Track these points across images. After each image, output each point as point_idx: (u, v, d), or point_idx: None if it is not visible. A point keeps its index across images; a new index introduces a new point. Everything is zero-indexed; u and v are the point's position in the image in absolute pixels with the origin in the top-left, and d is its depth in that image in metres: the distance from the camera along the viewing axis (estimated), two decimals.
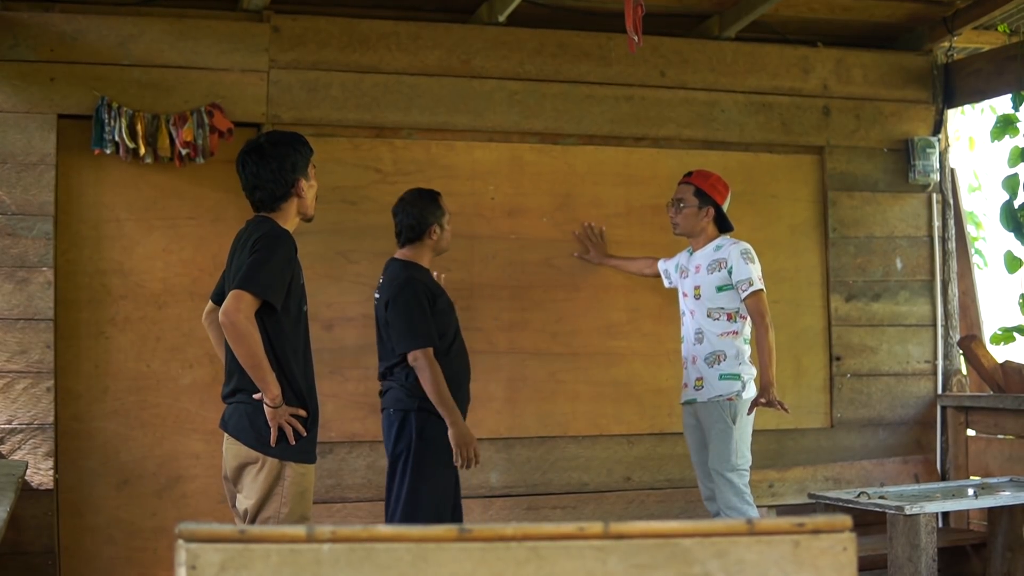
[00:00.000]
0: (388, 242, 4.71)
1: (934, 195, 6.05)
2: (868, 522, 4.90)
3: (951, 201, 6.11)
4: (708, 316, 4.89)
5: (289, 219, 3.78)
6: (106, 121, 4.78)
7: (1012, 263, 6.11)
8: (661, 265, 5.28)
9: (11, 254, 4.73)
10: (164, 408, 4.96)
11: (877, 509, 4.69)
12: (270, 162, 3.72)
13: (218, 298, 3.81)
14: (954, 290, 6.08)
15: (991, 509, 5.15)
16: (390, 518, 4.46)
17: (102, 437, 4.88)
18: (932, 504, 4.63)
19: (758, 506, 5.05)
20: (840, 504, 4.81)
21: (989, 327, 6.29)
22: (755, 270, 4.84)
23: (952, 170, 6.18)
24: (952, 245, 6.08)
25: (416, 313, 4.39)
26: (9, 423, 4.69)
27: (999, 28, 6.08)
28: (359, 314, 5.07)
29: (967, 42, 6.15)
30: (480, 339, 5.29)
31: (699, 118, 5.68)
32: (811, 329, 5.85)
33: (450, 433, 4.38)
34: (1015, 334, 6.13)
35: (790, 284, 5.78)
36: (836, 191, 5.90)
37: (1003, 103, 6.31)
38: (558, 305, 5.47)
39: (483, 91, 5.38)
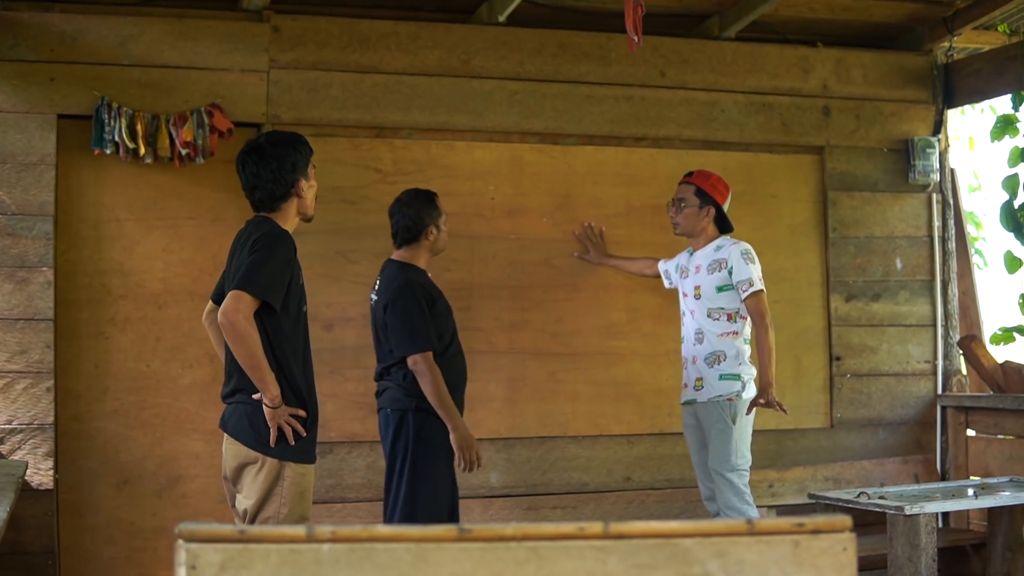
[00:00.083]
0: (388, 242, 4.71)
1: (934, 195, 6.05)
2: (868, 522, 4.90)
3: (951, 201, 6.12)
4: (708, 316, 4.89)
5: (289, 219, 3.78)
6: (106, 121, 4.78)
7: (1012, 263, 6.11)
8: (661, 266, 5.28)
9: (11, 254, 4.73)
10: (164, 408, 4.96)
11: (877, 509, 4.69)
12: (270, 162, 3.72)
13: (218, 298, 3.80)
14: (954, 290, 6.08)
15: (991, 509, 5.15)
16: (388, 518, 4.46)
17: (102, 437, 4.88)
18: (932, 504, 4.63)
19: (758, 506, 5.05)
20: (840, 504, 4.81)
21: (989, 327, 6.29)
22: (755, 270, 4.84)
23: (952, 170, 6.18)
24: (952, 245, 6.09)
25: (416, 316, 4.39)
26: (9, 423, 4.69)
27: (999, 28, 6.08)
28: (359, 314, 5.07)
29: (967, 42, 6.15)
30: (480, 339, 5.30)
31: (699, 118, 5.68)
32: (811, 329, 5.85)
33: (452, 437, 4.39)
34: (1015, 334, 6.13)
35: (790, 284, 5.78)
36: (836, 191, 5.90)
37: (1003, 103, 6.32)
38: (558, 305, 5.47)
39: (483, 91, 5.38)
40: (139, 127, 4.82)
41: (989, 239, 7.47)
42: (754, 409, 4.78)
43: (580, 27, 5.53)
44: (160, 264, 4.99)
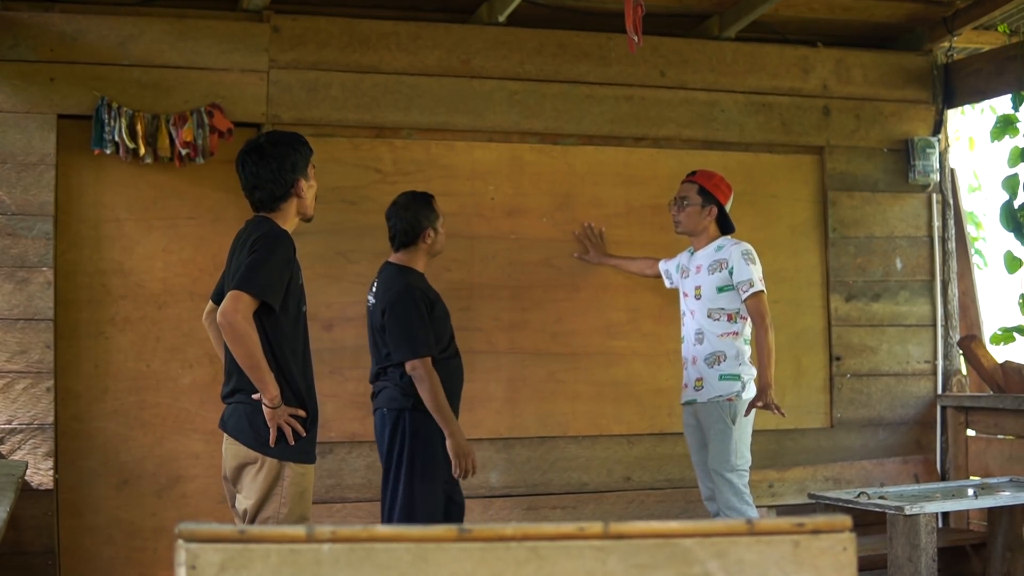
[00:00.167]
0: (388, 243, 4.70)
1: (934, 195, 6.05)
2: (868, 522, 4.90)
3: (951, 201, 6.12)
4: (709, 316, 4.89)
5: (288, 219, 3.78)
6: (106, 121, 4.78)
7: (1012, 263, 6.11)
8: (662, 266, 5.28)
9: (11, 254, 4.73)
10: (164, 408, 4.96)
11: (877, 509, 4.69)
12: (270, 162, 3.71)
13: (218, 298, 3.80)
14: (954, 290, 6.08)
15: (991, 509, 5.15)
16: (386, 518, 4.46)
17: (102, 437, 4.88)
18: (932, 504, 4.63)
19: (758, 506, 5.05)
20: (840, 504, 4.81)
21: (989, 327, 6.29)
22: (756, 271, 4.84)
23: (952, 170, 6.18)
24: (952, 245, 6.09)
25: (415, 322, 4.39)
26: (9, 423, 4.69)
27: (999, 28, 6.08)
28: (359, 314, 5.06)
29: (967, 42, 6.15)
30: (480, 339, 5.30)
31: (699, 118, 5.68)
32: (811, 329, 5.85)
33: (448, 444, 4.38)
34: (1015, 334, 6.13)
35: (790, 284, 5.78)
36: (836, 191, 5.90)
37: (1003, 103, 6.32)
38: (558, 305, 5.47)
39: (483, 91, 5.38)
40: (139, 127, 4.82)
41: (989, 239, 7.47)
42: (753, 410, 4.78)
43: (580, 27, 5.53)
44: (160, 264, 4.99)
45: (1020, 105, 5.95)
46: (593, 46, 5.53)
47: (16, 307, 4.72)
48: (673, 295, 5.23)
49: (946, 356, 6.01)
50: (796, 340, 5.74)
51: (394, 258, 4.62)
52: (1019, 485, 5.16)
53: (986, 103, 6.69)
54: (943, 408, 5.98)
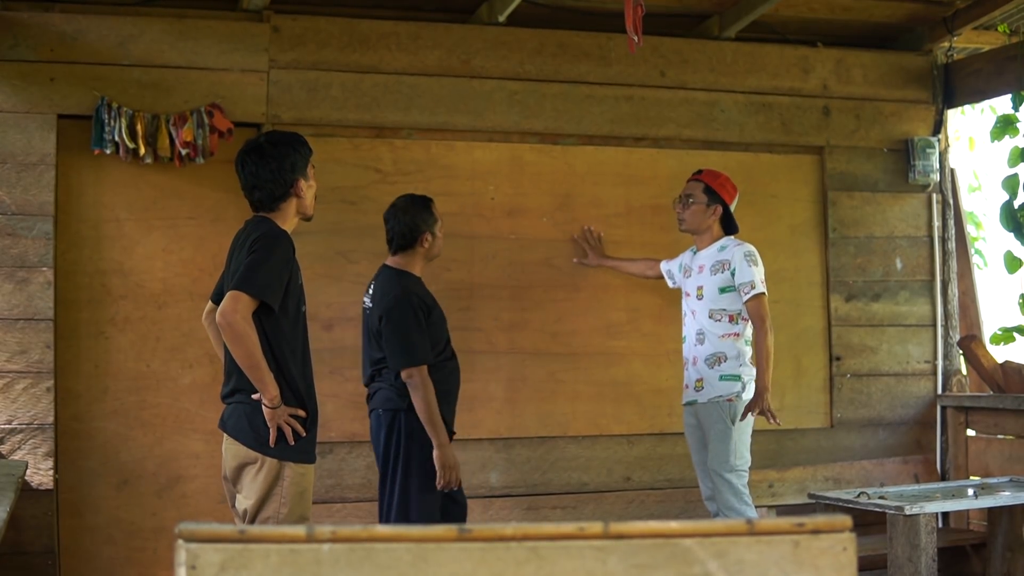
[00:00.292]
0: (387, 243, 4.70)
1: (934, 195, 6.05)
2: (868, 522, 4.90)
3: (951, 201, 6.12)
4: (710, 317, 4.89)
5: (288, 219, 3.77)
6: (106, 121, 4.78)
7: (1012, 263, 6.11)
8: (663, 266, 5.28)
9: (11, 254, 4.73)
10: (164, 408, 4.96)
11: (877, 509, 4.69)
12: (269, 162, 3.71)
13: (217, 298, 3.80)
14: (954, 290, 6.08)
15: (991, 509, 5.15)
16: (384, 519, 4.46)
17: (102, 437, 4.88)
18: (932, 504, 4.62)
19: (758, 506, 5.05)
20: (840, 504, 4.81)
21: (989, 327, 6.29)
22: (758, 273, 4.84)
23: (952, 170, 6.18)
24: (952, 245, 6.09)
25: (412, 329, 4.37)
26: (9, 423, 4.69)
27: (999, 28, 6.08)
28: (359, 314, 5.05)
29: (967, 42, 6.15)
30: (480, 339, 5.30)
31: (699, 118, 5.68)
32: (811, 329, 5.84)
33: (435, 455, 4.36)
34: (1015, 334, 6.13)
35: (790, 284, 5.78)
36: (836, 191, 5.90)
37: (1003, 103, 6.32)
38: (558, 305, 5.47)
39: (483, 91, 5.38)
40: (139, 127, 4.81)
41: (989, 239, 7.47)
42: (747, 415, 4.77)
43: (580, 27, 5.53)
44: (160, 264, 4.99)
45: (1020, 105, 5.95)
46: (593, 46, 5.53)
47: (16, 307, 4.72)
48: (673, 295, 5.22)
49: (946, 356, 6.01)
50: (796, 340, 5.74)
51: (391, 261, 4.60)
52: (1019, 485, 5.16)
53: (986, 103, 6.69)
54: (943, 408, 5.98)
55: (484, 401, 5.29)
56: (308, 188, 3.80)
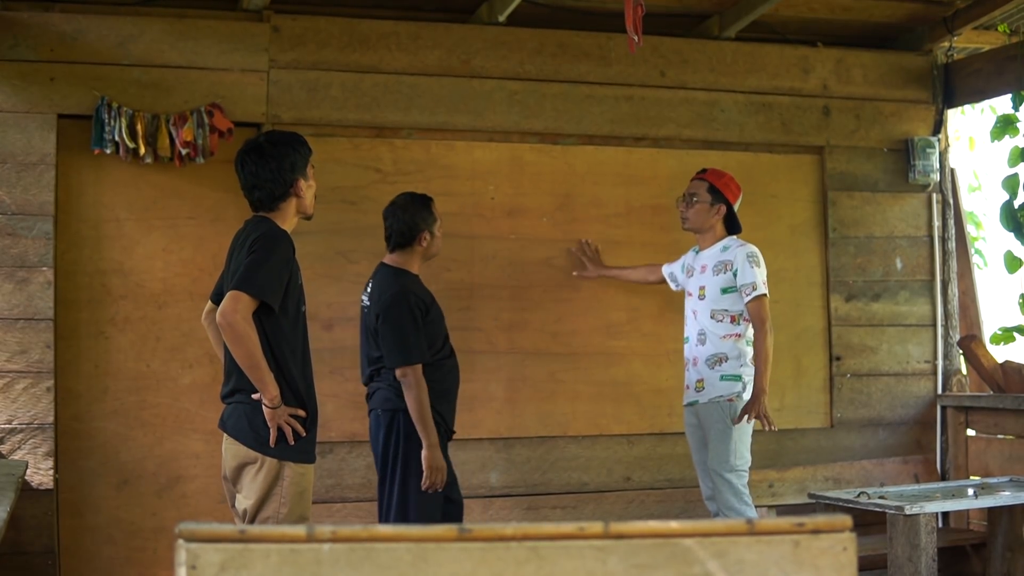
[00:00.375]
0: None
1: (934, 195, 6.05)
2: (868, 522, 4.90)
3: (951, 201, 6.12)
4: (712, 317, 4.89)
5: (288, 219, 3.77)
6: (106, 121, 4.78)
7: (1012, 263, 6.11)
8: (665, 269, 5.27)
9: (11, 254, 4.73)
10: (164, 408, 4.96)
11: (877, 509, 4.69)
12: (269, 162, 3.71)
13: (217, 298, 3.80)
14: (954, 290, 6.08)
15: (991, 509, 5.15)
16: (384, 519, 4.46)
17: (102, 437, 4.88)
18: (932, 504, 4.63)
19: (758, 506, 5.05)
20: (840, 504, 4.81)
21: (989, 327, 6.29)
22: (760, 274, 4.84)
23: (952, 170, 6.18)
24: (952, 245, 6.09)
25: (409, 328, 4.37)
26: (9, 423, 4.69)
27: (999, 28, 6.08)
28: (359, 314, 5.06)
29: (967, 42, 6.15)
30: (480, 339, 5.30)
31: (699, 118, 5.68)
32: (811, 329, 5.84)
33: (424, 455, 4.34)
34: (1015, 334, 6.13)
35: (790, 284, 5.78)
36: (836, 191, 5.90)
37: (1003, 103, 6.32)
38: (558, 305, 5.47)
39: (483, 91, 5.38)
40: (139, 127, 4.81)
41: (989, 239, 7.47)
42: (744, 418, 4.75)
43: (580, 27, 5.53)
44: (160, 264, 4.99)
45: (1020, 105, 5.95)
46: (593, 46, 5.53)
47: (16, 307, 4.72)
48: (672, 295, 5.22)
49: (946, 356, 6.01)
50: (796, 340, 5.74)
51: (389, 259, 4.59)
52: (1019, 485, 5.16)
53: (986, 103, 6.69)
54: (943, 408, 5.98)
55: (484, 401, 5.29)
56: (308, 188, 3.80)
